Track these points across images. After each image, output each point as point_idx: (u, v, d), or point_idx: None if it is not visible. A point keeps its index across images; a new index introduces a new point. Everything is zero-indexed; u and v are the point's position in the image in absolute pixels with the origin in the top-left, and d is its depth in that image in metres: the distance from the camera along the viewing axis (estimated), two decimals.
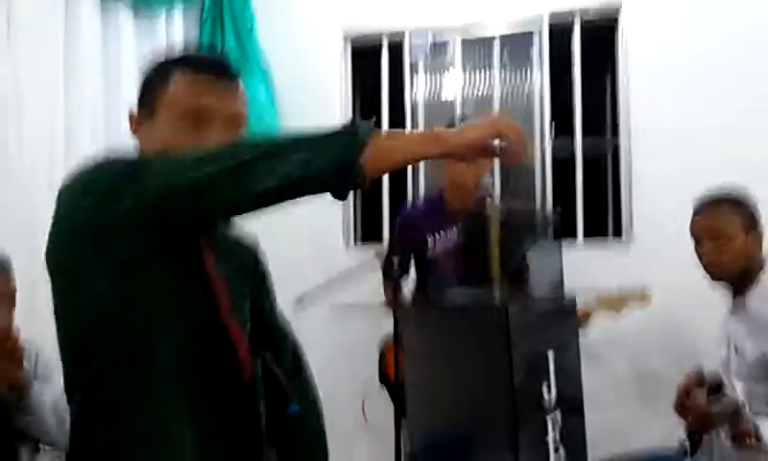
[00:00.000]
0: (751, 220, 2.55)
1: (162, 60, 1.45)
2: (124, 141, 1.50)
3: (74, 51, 3.27)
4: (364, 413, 3.53)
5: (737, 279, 2.54)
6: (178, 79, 1.38)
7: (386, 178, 4.36)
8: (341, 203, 4.16)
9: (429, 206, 3.54)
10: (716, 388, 1.96)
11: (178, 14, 3.88)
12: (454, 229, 3.22)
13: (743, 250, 2.52)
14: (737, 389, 2.23)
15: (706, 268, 2.59)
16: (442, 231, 3.26)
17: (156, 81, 1.41)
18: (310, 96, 4.23)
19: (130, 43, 3.57)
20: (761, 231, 2.57)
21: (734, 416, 1.92)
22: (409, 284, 3.57)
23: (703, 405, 1.99)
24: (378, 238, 4.31)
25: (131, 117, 1.44)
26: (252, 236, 1.67)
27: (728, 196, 2.60)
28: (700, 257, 2.60)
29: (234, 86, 1.42)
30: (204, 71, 1.39)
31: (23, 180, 2.90)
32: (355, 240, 4.43)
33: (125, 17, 3.58)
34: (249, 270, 1.60)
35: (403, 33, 4.28)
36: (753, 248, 2.53)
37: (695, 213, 2.63)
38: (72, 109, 3.20)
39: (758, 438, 1.99)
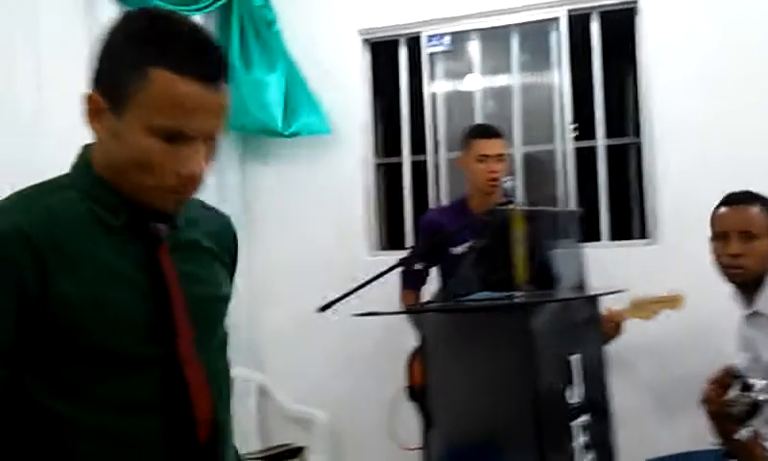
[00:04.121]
0: None
1: (135, 34, 1.19)
2: None
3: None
4: (396, 439, 3.46)
5: (753, 283, 2.47)
6: (160, 81, 1.15)
7: (407, 184, 4.33)
8: (364, 210, 4.21)
9: (453, 208, 3.55)
10: (746, 387, 1.91)
11: (198, 17, 3.89)
12: (477, 231, 3.19)
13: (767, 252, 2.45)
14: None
15: (727, 267, 2.51)
16: (465, 234, 3.24)
17: (127, 71, 1.16)
18: (329, 95, 4.22)
19: None
20: None
21: (750, 413, 1.88)
22: (430, 290, 3.54)
23: (725, 399, 1.94)
24: (401, 246, 4.28)
25: (91, 103, 1.21)
26: (224, 213, 1.49)
27: (759, 195, 2.53)
28: (719, 256, 2.53)
29: (219, 91, 1.21)
30: (190, 74, 1.16)
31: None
32: (378, 247, 4.41)
33: None
34: (222, 260, 1.41)
35: (421, 27, 4.25)
36: None
37: (722, 204, 2.55)
38: None
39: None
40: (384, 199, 4.52)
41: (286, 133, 4.12)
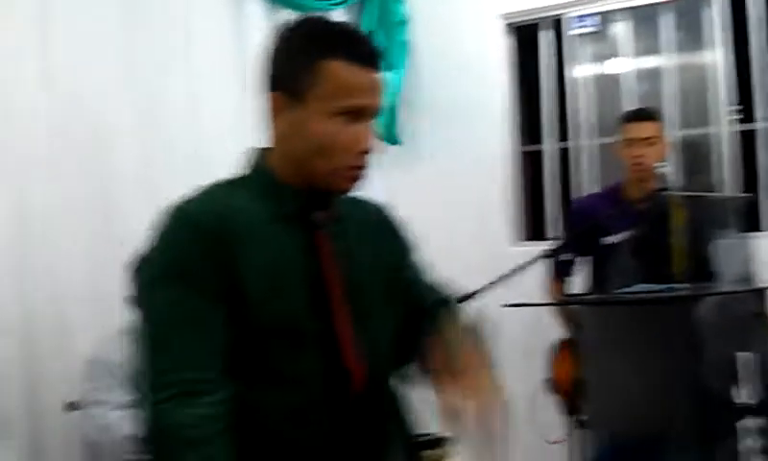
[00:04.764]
0: None
1: (303, 36, 1.39)
2: None
3: (244, 57, 3.39)
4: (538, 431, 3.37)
5: None
6: (334, 70, 1.33)
7: (550, 172, 4.20)
8: (504, 199, 4.12)
9: (606, 196, 3.35)
10: None
11: (338, 13, 3.92)
12: (633, 219, 3.03)
13: None
14: None
15: None
16: (619, 223, 3.07)
17: (304, 65, 1.34)
18: (469, 82, 4.14)
19: None
20: None
21: None
22: (579, 282, 3.41)
23: None
24: (543, 236, 4.16)
25: (273, 102, 1.38)
26: (380, 202, 1.61)
27: None
28: None
29: (380, 78, 1.39)
30: (361, 63, 1.34)
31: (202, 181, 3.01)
32: (520, 238, 4.30)
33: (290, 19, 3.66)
34: (382, 248, 1.52)
35: (564, 9, 4.12)
36: None
37: None
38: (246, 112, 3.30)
39: None
40: (525, 188, 4.40)
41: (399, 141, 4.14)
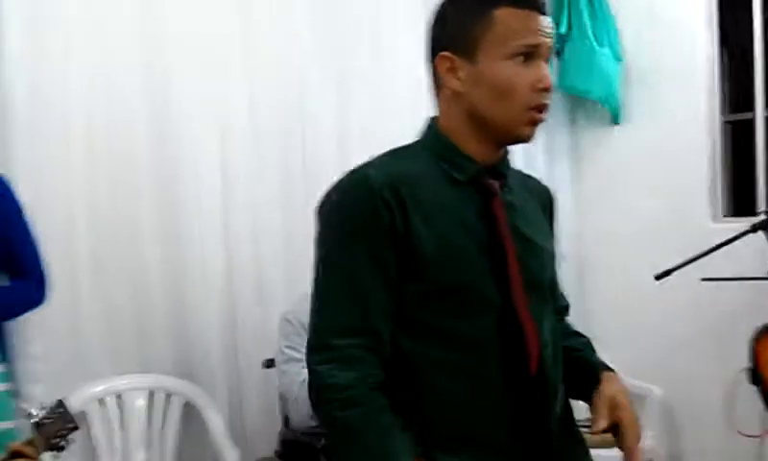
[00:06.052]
0: None
1: None
2: None
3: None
4: (733, 423, 3.18)
5: None
6: (504, 17, 1.38)
7: (761, 143, 3.90)
8: (707, 173, 3.88)
9: None
10: None
11: None
12: None
13: None
14: None
15: None
16: None
17: (475, 19, 1.39)
18: (672, 49, 3.94)
19: None
20: None
21: None
22: None
23: None
24: (751, 212, 3.88)
25: (446, 62, 1.42)
26: (547, 185, 1.65)
27: None
28: None
29: (547, 20, 1.43)
30: (528, 7, 1.40)
31: None
32: (724, 214, 4.04)
33: None
34: (543, 221, 1.57)
35: None
36: None
37: None
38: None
39: None
40: (731, 160, 4.12)
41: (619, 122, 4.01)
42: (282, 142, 3.19)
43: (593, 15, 3.95)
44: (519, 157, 3.51)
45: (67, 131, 2.73)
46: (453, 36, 1.42)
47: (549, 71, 1.43)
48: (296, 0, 3.23)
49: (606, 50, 3.95)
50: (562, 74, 3.95)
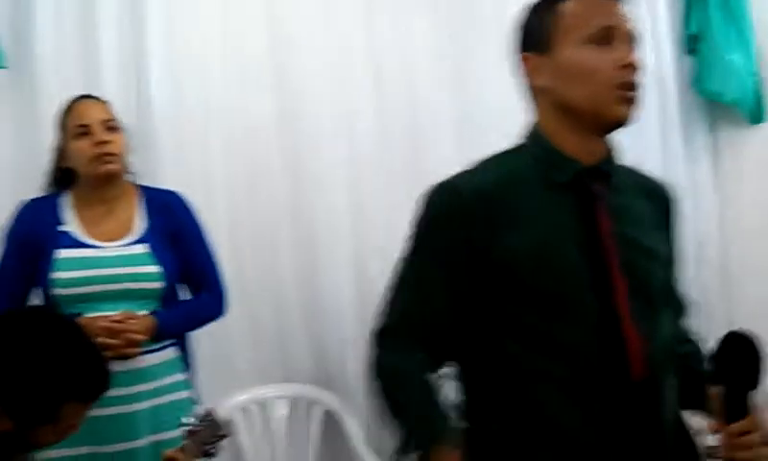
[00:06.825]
0: None
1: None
2: None
3: None
4: None
5: None
6: (569, 7, 1.41)
7: None
8: None
9: None
10: None
11: None
12: None
13: None
14: None
15: None
16: None
17: (543, 18, 1.43)
18: None
19: None
20: None
21: None
22: None
23: None
24: None
25: (527, 62, 1.45)
26: (666, 181, 1.59)
27: None
28: None
29: (622, 5, 1.43)
30: None
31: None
32: None
33: None
34: (658, 223, 1.52)
35: None
36: None
37: None
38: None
39: None
40: None
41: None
42: (409, 143, 3.21)
43: (727, 15, 3.78)
44: (658, 161, 3.43)
45: (207, 131, 2.93)
46: (529, 36, 1.46)
47: (636, 53, 1.41)
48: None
49: (739, 51, 3.78)
50: (696, 76, 3.82)
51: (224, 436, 1.93)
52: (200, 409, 1.98)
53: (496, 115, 3.23)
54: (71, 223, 2.26)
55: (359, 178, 3.13)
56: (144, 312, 2.22)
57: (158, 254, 2.26)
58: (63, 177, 2.34)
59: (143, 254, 2.25)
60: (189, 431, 1.89)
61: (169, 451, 1.86)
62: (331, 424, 2.99)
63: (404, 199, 3.12)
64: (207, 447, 1.89)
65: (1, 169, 2.72)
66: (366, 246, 3.11)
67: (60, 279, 2.19)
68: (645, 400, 1.36)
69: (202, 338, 2.72)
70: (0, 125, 2.75)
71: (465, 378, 1.47)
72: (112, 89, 2.74)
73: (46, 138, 2.41)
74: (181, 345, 2.36)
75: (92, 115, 2.29)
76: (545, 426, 1.35)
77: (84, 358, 1.67)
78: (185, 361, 2.36)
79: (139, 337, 2.16)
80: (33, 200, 2.35)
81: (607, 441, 1.34)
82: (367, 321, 3.02)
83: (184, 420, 1.91)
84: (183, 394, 2.30)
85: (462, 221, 1.38)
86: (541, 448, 1.35)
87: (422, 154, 3.20)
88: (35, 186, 2.37)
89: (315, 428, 2.97)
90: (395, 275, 1.48)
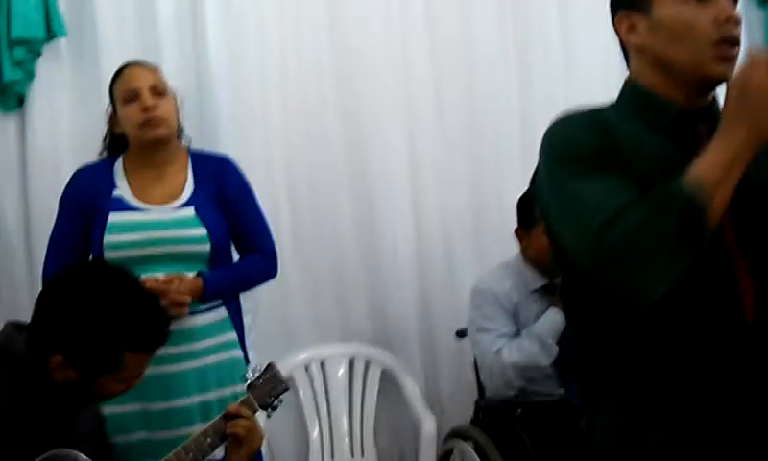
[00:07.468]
0: None
1: None
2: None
3: None
4: None
5: None
6: None
7: None
8: None
9: None
10: None
11: None
12: None
13: None
14: None
15: None
16: None
17: None
18: None
19: None
20: None
21: None
22: None
23: None
24: None
25: (623, 24, 1.43)
26: None
27: None
28: None
29: None
30: None
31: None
32: None
33: None
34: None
35: None
36: None
37: None
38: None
39: None
40: None
41: None
42: (468, 120, 3.21)
43: None
44: None
45: (264, 97, 2.96)
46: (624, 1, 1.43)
47: (736, 7, 1.37)
48: None
49: None
50: None
51: (285, 389, 1.96)
52: (260, 364, 2.00)
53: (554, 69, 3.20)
54: (122, 187, 2.29)
55: (417, 141, 3.14)
56: (192, 274, 2.24)
57: (205, 217, 2.27)
58: (117, 142, 2.38)
59: (189, 217, 2.26)
60: (250, 385, 1.92)
61: (232, 405, 1.90)
62: (389, 382, 3.03)
63: (463, 157, 3.20)
64: (270, 399, 1.93)
65: (62, 136, 2.80)
66: (422, 211, 3.13)
67: (110, 242, 2.22)
68: (758, 343, 1.32)
69: (263, 299, 2.78)
70: (60, 92, 2.81)
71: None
72: (171, 57, 2.79)
73: (105, 106, 2.45)
74: (232, 305, 2.37)
75: (140, 81, 2.30)
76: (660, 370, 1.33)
77: (141, 307, 1.72)
78: (235, 321, 2.37)
79: (186, 298, 2.18)
80: (87, 166, 2.39)
81: (723, 386, 1.31)
82: (425, 280, 3.11)
83: (247, 374, 1.94)
84: (233, 353, 2.32)
85: (600, 131, 1.34)
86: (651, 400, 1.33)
87: (480, 107, 3.20)
88: (95, 153, 2.42)
89: (372, 387, 3.02)
90: (555, 196, 1.35)
